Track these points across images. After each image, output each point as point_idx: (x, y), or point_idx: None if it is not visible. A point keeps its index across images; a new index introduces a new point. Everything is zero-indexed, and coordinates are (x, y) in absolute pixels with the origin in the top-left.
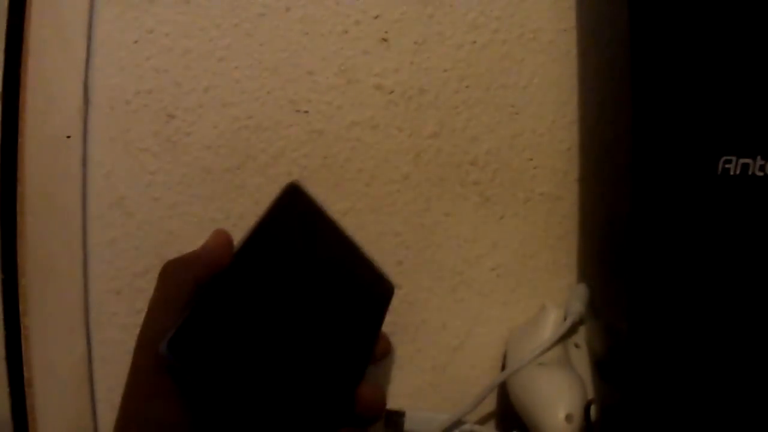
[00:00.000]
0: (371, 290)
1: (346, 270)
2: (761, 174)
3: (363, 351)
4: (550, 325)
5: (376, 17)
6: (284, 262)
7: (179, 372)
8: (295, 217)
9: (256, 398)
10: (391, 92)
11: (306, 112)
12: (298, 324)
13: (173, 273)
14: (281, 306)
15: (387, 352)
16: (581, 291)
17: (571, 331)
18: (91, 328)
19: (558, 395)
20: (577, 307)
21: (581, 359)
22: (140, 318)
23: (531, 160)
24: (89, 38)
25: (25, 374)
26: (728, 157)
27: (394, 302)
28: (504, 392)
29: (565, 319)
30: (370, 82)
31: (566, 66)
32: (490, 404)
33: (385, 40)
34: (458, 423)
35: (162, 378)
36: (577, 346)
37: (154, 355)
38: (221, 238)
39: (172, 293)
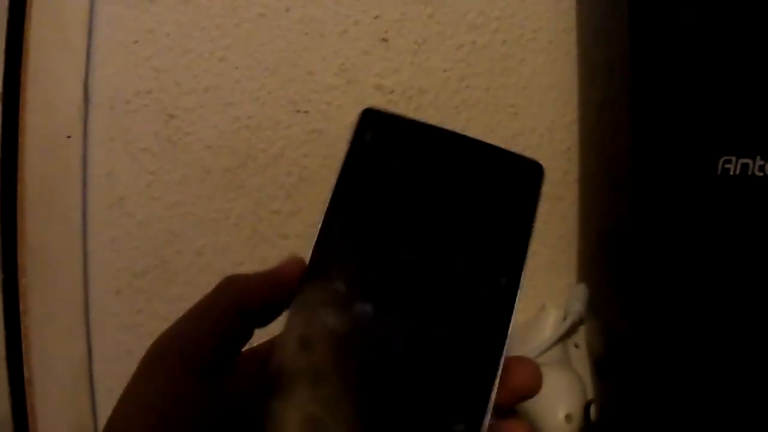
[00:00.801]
0: (505, 201)
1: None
2: (761, 174)
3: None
4: (550, 325)
5: (376, 17)
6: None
7: None
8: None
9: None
10: (391, 92)
11: (306, 112)
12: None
13: (220, 286)
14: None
15: (530, 388)
16: (581, 291)
17: (571, 331)
18: (91, 328)
19: (558, 395)
20: (577, 307)
21: (581, 359)
22: (140, 318)
23: None
24: (89, 38)
25: (25, 374)
26: (728, 157)
27: None
28: None
29: (564, 319)
30: (370, 82)
31: (566, 66)
32: None
33: (385, 40)
34: None
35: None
36: (576, 346)
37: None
38: (290, 267)
39: (205, 307)
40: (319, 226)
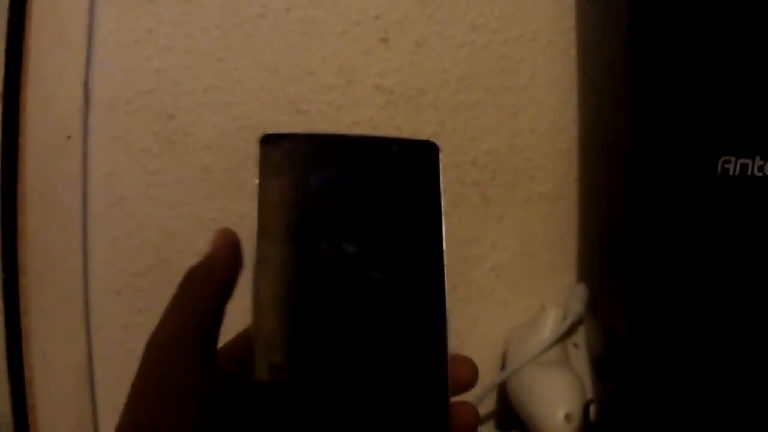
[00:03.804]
0: (407, 188)
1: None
2: (760, 174)
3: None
4: (550, 325)
5: (376, 17)
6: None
7: None
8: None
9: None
10: (391, 92)
11: (306, 112)
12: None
13: (189, 279)
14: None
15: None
16: (581, 291)
17: (571, 331)
18: (91, 328)
19: (557, 395)
20: (577, 307)
21: (580, 359)
22: (140, 318)
23: (531, 160)
24: (89, 38)
25: (26, 374)
26: (727, 158)
27: None
28: (503, 392)
29: (564, 319)
30: (369, 82)
31: (566, 66)
32: (489, 404)
33: (385, 40)
34: None
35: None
36: (576, 346)
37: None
38: (226, 237)
39: (186, 299)
40: (256, 232)
